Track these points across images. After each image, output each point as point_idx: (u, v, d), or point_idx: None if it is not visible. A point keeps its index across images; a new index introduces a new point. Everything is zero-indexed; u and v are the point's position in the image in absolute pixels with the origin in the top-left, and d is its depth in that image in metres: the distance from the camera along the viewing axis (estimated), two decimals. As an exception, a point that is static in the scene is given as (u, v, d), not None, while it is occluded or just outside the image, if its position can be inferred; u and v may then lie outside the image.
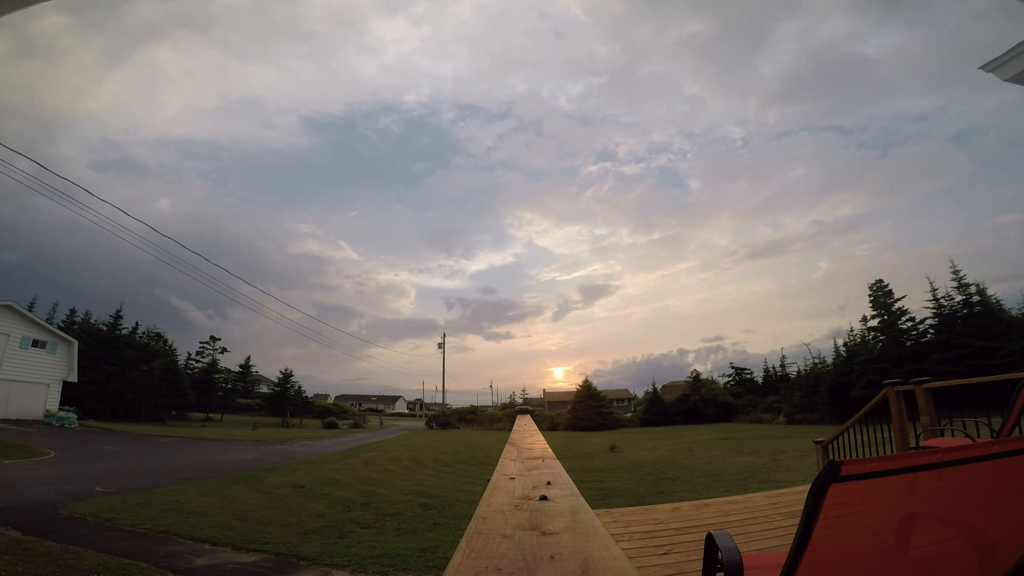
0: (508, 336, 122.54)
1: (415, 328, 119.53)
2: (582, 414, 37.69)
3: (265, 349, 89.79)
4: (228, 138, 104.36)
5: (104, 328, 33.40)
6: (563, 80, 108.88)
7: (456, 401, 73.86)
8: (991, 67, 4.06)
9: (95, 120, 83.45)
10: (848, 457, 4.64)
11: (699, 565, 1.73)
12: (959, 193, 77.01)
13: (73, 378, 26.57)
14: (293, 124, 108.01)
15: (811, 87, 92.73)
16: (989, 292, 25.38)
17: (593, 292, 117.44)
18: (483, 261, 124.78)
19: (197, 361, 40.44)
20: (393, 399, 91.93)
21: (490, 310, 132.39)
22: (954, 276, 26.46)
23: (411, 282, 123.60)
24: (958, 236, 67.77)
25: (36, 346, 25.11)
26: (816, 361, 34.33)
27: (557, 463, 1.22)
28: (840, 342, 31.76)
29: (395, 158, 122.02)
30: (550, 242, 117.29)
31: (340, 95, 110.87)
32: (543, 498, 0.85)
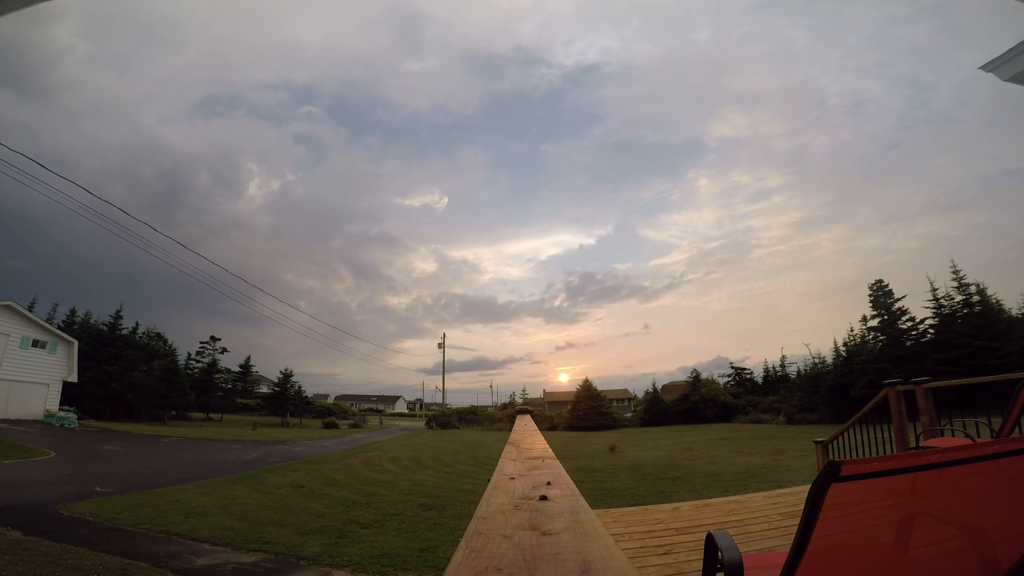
0: (580, 316, 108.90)
1: (482, 308, 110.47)
2: (582, 414, 37.68)
3: (272, 346, 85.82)
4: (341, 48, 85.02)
5: (104, 328, 33.41)
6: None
7: (456, 401, 73.95)
8: (991, 67, 4.06)
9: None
10: (848, 457, 4.64)
11: (699, 565, 1.73)
12: None
13: (73, 378, 26.55)
14: (448, 59, 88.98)
15: None
16: (989, 292, 25.47)
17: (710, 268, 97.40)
18: (606, 221, 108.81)
19: (197, 361, 40.43)
20: (393, 399, 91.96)
21: (576, 284, 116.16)
22: (954, 276, 26.51)
23: (499, 253, 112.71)
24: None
25: (36, 346, 25.10)
26: (816, 361, 34.41)
27: (557, 463, 1.22)
28: (840, 342, 31.84)
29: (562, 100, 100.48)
30: (714, 191, 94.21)
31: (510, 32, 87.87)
32: (543, 498, 0.85)
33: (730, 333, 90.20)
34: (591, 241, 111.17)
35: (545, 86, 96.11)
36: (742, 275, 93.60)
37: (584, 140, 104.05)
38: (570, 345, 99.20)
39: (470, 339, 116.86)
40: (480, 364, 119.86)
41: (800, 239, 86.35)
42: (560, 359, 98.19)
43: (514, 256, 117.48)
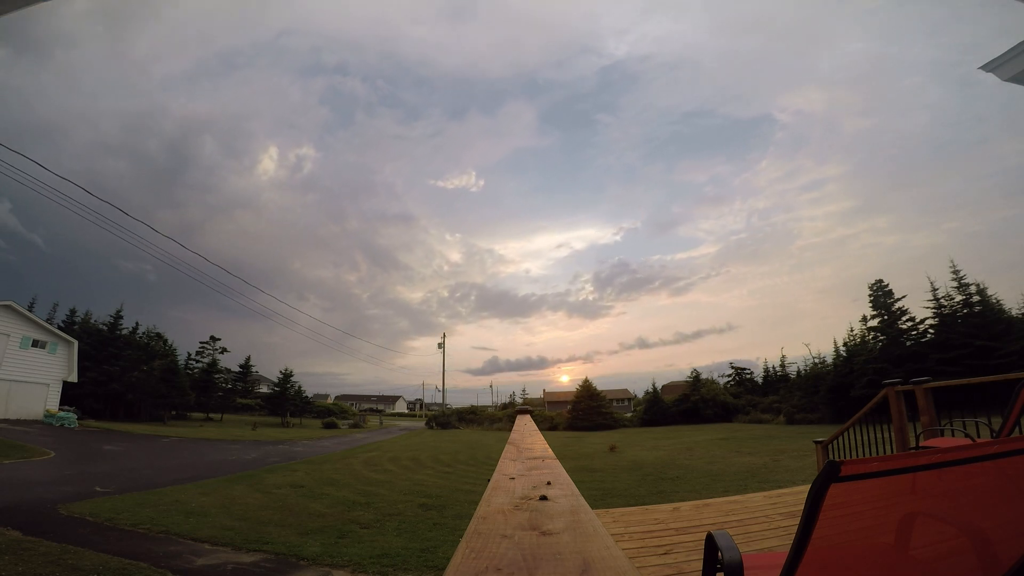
0: (604, 310, 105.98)
1: (498, 301, 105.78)
2: (582, 414, 37.68)
3: (278, 344, 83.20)
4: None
5: (104, 328, 33.41)
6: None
7: (456, 401, 73.83)
8: (991, 67, 4.06)
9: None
10: (848, 457, 4.64)
11: (699, 565, 1.73)
12: None
13: (73, 378, 26.55)
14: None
15: None
16: (989, 292, 25.48)
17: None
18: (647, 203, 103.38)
19: (197, 361, 40.47)
20: (393, 399, 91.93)
21: (606, 275, 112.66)
22: (954, 276, 26.51)
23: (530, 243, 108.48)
24: None
25: (36, 346, 25.10)
26: (816, 361, 34.42)
27: (557, 463, 1.22)
28: (840, 342, 31.85)
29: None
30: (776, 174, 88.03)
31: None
32: (543, 498, 0.85)
33: (747, 332, 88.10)
34: (622, 233, 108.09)
35: (611, 54, 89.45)
36: (769, 270, 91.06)
37: (647, 112, 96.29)
38: (643, 344, 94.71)
39: (490, 336, 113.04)
40: (531, 364, 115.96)
41: (842, 230, 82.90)
42: (623, 361, 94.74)
43: (541, 249, 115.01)
